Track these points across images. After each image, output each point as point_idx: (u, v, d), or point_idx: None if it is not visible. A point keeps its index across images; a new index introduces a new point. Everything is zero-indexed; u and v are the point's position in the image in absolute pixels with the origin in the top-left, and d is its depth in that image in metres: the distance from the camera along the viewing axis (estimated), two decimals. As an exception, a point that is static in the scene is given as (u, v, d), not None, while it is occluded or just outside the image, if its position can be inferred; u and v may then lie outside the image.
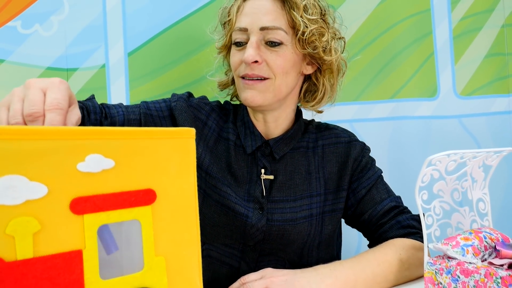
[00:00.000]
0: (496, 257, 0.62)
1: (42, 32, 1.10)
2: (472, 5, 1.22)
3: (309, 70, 0.85)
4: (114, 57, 1.13)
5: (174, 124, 0.86)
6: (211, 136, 0.87)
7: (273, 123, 0.86)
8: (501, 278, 0.54)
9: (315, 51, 0.80)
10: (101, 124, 0.77)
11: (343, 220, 0.91)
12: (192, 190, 0.44)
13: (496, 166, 0.70)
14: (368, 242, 0.87)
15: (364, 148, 0.89)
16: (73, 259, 0.36)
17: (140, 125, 0.84)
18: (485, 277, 0.56)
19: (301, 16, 0.76)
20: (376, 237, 0.82)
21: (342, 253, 0.95)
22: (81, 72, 1.11)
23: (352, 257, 0.73)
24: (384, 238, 0.80)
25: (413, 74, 1.21)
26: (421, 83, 1.21)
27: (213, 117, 0.89)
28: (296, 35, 0.78)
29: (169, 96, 1.12)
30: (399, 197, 0.86)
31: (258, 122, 0.87)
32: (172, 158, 0.43)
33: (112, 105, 0.84)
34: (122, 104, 0.86)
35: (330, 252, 0.88)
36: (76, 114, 0.56)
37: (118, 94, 1.12)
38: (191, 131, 0.45)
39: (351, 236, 1.13)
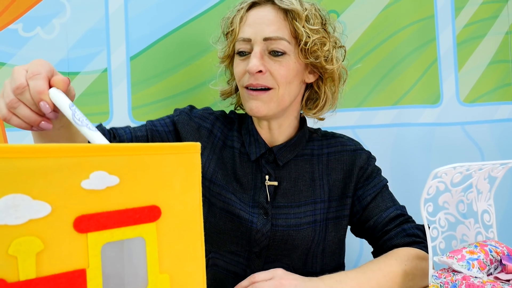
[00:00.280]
0: (501, 271, 0.61)
1: (43, 35, 1.10)
2: (476, 11, 1.21)
3: (311, 78, 0.86)
4: (116, 61, 1.12)
5: (178, 137, 0.88)
6: (216, 143, 0.89)
7: (277, 130, 0.87)
8: (507, 294, 0.54)
9: (317, 61, 0.81)
10: None
11: (348, 228, 0.91)
12: (197, 205, 0.44)
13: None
14: (371, 249, 0.87)
15: (370, 157, 0.89)
16: (77, 279, 0.35)
17: (147, 141, 0.85)
18: (491, 293, 0.55)
19: (303, 27, 0.78)
20: (381, 243, 0.82)
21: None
22: (82, 76, 1.10)
23: (357, 267, 0.72)
24: (389, 245, 0.80)
25: (417, 80, 1.20)
26: (424, 90, 1.20)
27: (218, 126, 0.91)
28: (299, 45, 0.79)
29: (170, 101, 1.13)
30: (404, 207, 0.86)
31: (263, 130, 0.88)
32: (177, 173, 0.42)
33: (120, 127, 0.87)
34: (129, 126, 0.89)
35: (335, 259, 0.88)
36: (71, 89, 0.61)
37: (119, 99, 1.12)
38: (196, 146, 0.44)
39: (352, 244, 1.13)
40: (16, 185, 0.33)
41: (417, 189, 1.18)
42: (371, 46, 1.19)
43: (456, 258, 0.61)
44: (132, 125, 1.12)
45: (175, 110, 0.92)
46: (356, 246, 1.16)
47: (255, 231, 0.81)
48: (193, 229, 0.43)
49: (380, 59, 1.19)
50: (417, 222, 0.83)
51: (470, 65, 1.22)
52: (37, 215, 0.34)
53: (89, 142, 0.54)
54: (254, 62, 0.77)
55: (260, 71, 0.78)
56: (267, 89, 0.79)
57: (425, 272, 0.73)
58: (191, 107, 0.93)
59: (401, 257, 0.74)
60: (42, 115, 0.56)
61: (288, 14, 0.79)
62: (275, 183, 0.84)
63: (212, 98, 1.08)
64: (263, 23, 0.78)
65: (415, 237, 0.79)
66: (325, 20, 0.84)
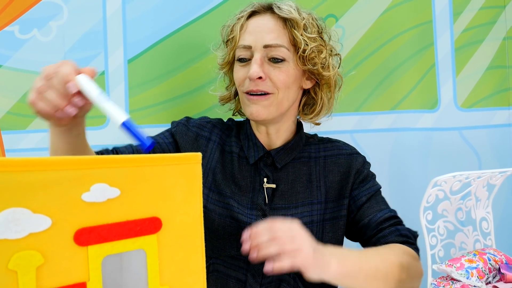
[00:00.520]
0: (500, 280, 0.61)
1: (40, 38, 1.09)
2: (474, 17, 1.21)
3: (308, 84, 0.89)
4: (114, 64, 1.11)
5: (178, 148, 0.90)
6: (216, 149, 0.91)
7: (275, 135, 0.89)
8: (507, 303, 0.54)
9: (314, 67, 0.84)
10: None
11: None
12: (198, 216, 0.43)
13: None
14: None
15: (365, 162, 0.91)
16: (77, 293, 0.35)
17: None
18: (490, 302, 0.55)
19: (301, 35, 0.81)
20: (374, 241, 0.83)
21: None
22: (80, 79, 1.09)
23: (357, 249, 0.72)
24: (383, 242, 0.80)
25: (415, 85, 1.20)
26: (422, 95, 1.20)
27: (216, 132, 0.93)
28: (297, 52, 0.82)
29: (168, 104, 1.13)
30: (395, 211, 0.87)
31: (261, 134, 0.90)
32: (178, 184, 0.42)
33: (122, 145, 0.90)
34: (131, 144, 0.91)
35: None
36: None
37: (117, 102, 1.11)
38: (197, 156, 0.44)
39: (351, 245, 1.13)
40: (16, 199, 0.33)
41: (414, 193, 1.19)
42: (370, 51, 1.19)
43: (455, 267, 0.61)
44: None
45: (172, 122, 0.95)
46: (354, 247, 1.16)
47: None
48: (193, 240, 0.43)
49: (378, 63, 1.19)
50: (415, 229, 0.83)
51: (468, 70, 1.22)
52: (37, 228, 0.34)
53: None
54: (254, 69, 0.79)
55: (260, 77, 0.80)
56: (266, 94, 0.82)
57: (418, 271, 0.73)
58: (188, 118, 0.96)
59: (397, 251, 0.74)
60: (68, 101, 0.60)
61: (287, 22, 0.82)
62: (273, 186, 0.86)
63: (210, 101, 1.07)
64: (263, 31, 0.81)
65: (408, 238, 0.80)
66: (322, 29, 0.87)
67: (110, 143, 1.10)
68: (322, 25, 0.88)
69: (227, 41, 0.89)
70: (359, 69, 1.18)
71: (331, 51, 0.89)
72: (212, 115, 1.08)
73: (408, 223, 1.17)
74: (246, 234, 0.62)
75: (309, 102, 0.92)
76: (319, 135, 0.96)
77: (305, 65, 0.83)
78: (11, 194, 0.32)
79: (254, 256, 0.61)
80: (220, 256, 0.86)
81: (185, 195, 0.42)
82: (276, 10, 0.82)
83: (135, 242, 0.39)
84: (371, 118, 1.19)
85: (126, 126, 0.54)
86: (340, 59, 0.93)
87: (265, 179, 0.86)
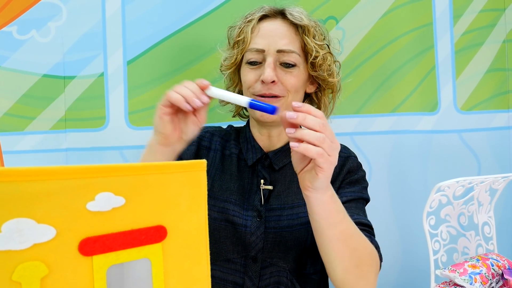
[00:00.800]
0: (503, 285, 0.61)
1: (38, 38, 1.08)
2: (475, 20, 1.22)
3: (311, 89, 0.91)
4: (113, 65, 1.11)
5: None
6: (216, 156, 0.92)
7: (276, 137, 0.90)
8: (511, 310, 0.54)
9: (323, 74, 0.86)
10: None
11: None
12: (203, 224, 0.43)
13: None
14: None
15: (360, 167, 0.91)
16: (81, 303, 0.34)
17: None
18: (494, 309, 0.55)
19: (312, 42, 0.83)
20: None
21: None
22: (78, 80, 1.09)
23: None
24: None
25: (415, 88, 1.20)
26: (422, 97, 1.20)
27: (215, 140, 0.94)
28: (307, 58, 0.84)
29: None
30: (371, 225, 0.84)
31: (262, 136, 0.91)
32: (183, 192, 0.41)
33: None
34: None
35: None
36: None
37: (116, 103, 1.10)
38: (202, 163, 0.43)
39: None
40: (20, 209, 0.32)
41: (414, 195, 1.19)
42: (370, 53, 1.18)
43: (458, 272, 0.61)
44: (129, 130, 1.11)
45: None
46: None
47: (249, 234, 0.83)
48: (199, 248, 0.42)
49: (379, 66, 1.19)
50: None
51: (467, 73, 1.22)
52: (41, 239, 0.33)
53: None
54: (269, 73, 0.80)
55: (273, 81, 0.81)
56: (276, 97, 0.83)
57: (376, 269, 0.73)
58: None
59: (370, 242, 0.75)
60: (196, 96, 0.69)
61: (299, 29, 0.84)
62: (270, 187, 0.86)
63: (211, 103, 1.06)
64: (276, 36, 0.83)
65: (376, 246, 0.78)
66: (325, 36, 0.89)
67: (110, 145, 1.10)
68: (326, 32, 0.90)
69: (235, 42, 0.89)
70: (360, 71, 1.18)
71: (334, 58, 0.91)
72: (213, 116, 1.08)
73: (407, 225, 1.17)
74: (293, 114, 0.61)
75: (312, 104, 0.94)
76: None
77: (316, 71, 0.85)
78: (15, 204, 0.32)
79: (295, 145, 0.60)
80: (216, 262, 0.85)
81: (190, 203, 0.42)
82: (289, 16, 0.84)
83: (140, 251, 0.38)
84: (371, 120, 1.18)
85: (252, 104, 0.66)
86: (340, 65, 0.95)
87: (262, 181, 0.87)
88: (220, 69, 0.95)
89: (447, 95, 1.21)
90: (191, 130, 0.73)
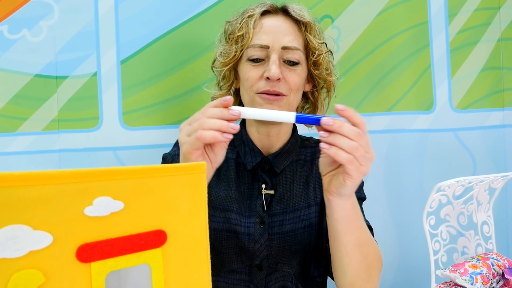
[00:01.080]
0: (504, 285, 0.61)
1: (30, 38, 1.06)
2: (469, 18, 1.22)
3: (307, 87, 0.89)
4: (106, 64, 1.09)
5: None
6: None
7: (275, 137, 0.87)
8: (512, 310, 0.54)
9: (323, 72, 0.85)
10: None
11: None
12: (203, 227, 0.42)
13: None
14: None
15: None
16: (80, 312, 0.33)
17: None
18: (496, 309, 0.55)
19: (315, 39, 0.81)
20: None
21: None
22: (71, 80, 1.07)
23: None
24: None
25: (411, 87, 1.20)
26: (418, 96, 1.20)
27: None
28: (309, 56, 0.82)
29: (163, 106, 1.10)
30: (370, 225, 0.84)
31: (261, 136, 0.87)
32: (183, 195, 0.40)
33: None
34: None
35: None
36: None
37: (110, 104, 1.09)
38: (202, 166, 0.42)
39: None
40: (15, 216, 0.31)
41: (410, 194, 1.19)
42: (365, 52, 1.18)
43: (459, 272, 0.60)
44: (123, 131, 1.09)
45: (164, 157, 0.90)
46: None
47: (253, 242, 0.81)
48: (199, 253, 0.41)
49: (374, 64, 1.18)
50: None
51: (463, 71, 1.23)
52: (38, 246, 0.32)
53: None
54: (275, 70, 0.77)
55: (279, 79, 0.78)
56: (280, 95, 0.80)
57: (379, 258, 0.73)
58: (178, 147, 0.89)
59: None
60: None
61: (301, 26, 0.82)
62: (272, 192, 0.84)
63: (205, 103, 1.05)
64: (281, 32, 0.80)
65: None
66: (323, 34, 0.87)
67: (104, 146, 1.08)
68: (322, 30, 0.88)
69: (235, 38, 0.83)
70: (355, 70, 1.18)
71: (333, 56, 0.90)
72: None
73: (403, 223, 1.17)
74: (329, 120, 0.59)
75: (307, 104, 0.92)
76: (314, 138, 0.95)
77: (318, 70, 0.84)
78: (10, 210, 0.31)
79: (325, 147, 0.59)
80: (220, 273, 0.83)
81: (190, 206, 0.41)
82: (292, 13, 0.81)
83: (140, 256, 0.37)
84: (367, 119, 1.18)
85: (299, 118, 0.61)
86: (333, 65, 0.93)
87: (263, 185, 0.84)
88: (213, 66, 0.91)
89: (442, 94, 1.22)
90: (221, 155, 0.66)
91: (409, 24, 1.20)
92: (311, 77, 0.87)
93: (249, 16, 0.81)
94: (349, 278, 0.70)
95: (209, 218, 0.81)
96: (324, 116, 0.59)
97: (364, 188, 0.88)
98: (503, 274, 0.61)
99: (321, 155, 0.65)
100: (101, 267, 0.35)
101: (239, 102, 0.91)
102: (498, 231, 1.05)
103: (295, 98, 0.83)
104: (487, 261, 0.63)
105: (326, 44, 0.86)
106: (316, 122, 0.60)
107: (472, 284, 0.58)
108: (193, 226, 0.41)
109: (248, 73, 0.81)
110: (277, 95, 0.79)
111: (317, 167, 0.85)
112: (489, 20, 1.23)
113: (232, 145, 0.89)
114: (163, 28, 1.11)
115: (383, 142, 1.19)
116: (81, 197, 0.34)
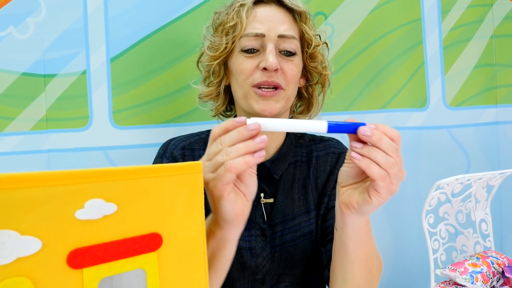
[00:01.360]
0: (504, 283, 0.60)
1: (16, 35, 1.03)
2: (462, 15, 1.22)
3: (301, 82, 0.84)
4: (96, 62, 1.06)
5: None
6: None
7: (269, 135, 0.80)
8: (514, 309, 0.53)
9: (319, 66, 0.81)
10: None
11: None
12: (200, 229, 0.40)
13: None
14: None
15: None
16: (71, 321, 0.32)
17: None
18: (497, 308, 0.54)
19: (310, 30, 0.77)
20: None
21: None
22: (59, 78, 1.04)
23: None
24: None
25: (404, 84, 1.19)
26: (412, 94, 1.20)
27: (198, 154, 0.83)
28: (305, 48, 0.78)
29: (153, 104, 1.08)
30: None
31: None
32: (179, 196, 0.39)
33: None
34: None
35: None
36: None
37: (100, 102, 1.06)
38: (199, 165, 0.41)
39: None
40: (2, 220, 0.29)
41: (405, 191, 1.18)
42: (359, 49, 1.17)
43: (459, 271, 0.59)
44: (113, 130, 1.07)
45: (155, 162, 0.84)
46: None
47: (255, 256, 0.77)
48: (196, 256, 0.40)
49: (368, 62, 1.18)
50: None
51: (456, 68, 1.22)
52: (26, 252, 0.30)
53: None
54: (273, 59, 0.72)
55: (276, 70, 0.74)
56: (277, 89, 0.75)
57: (381, 268, 0.70)
58: (161, 158, 0.84)
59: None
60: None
61: (296, 15, 0.77)
62: (271, 200, 0.79)
63: (197, 101, 1.03)
64: (276, 21, 0.75)
65: None
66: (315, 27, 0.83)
67: (94, 145, 1.06)
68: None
69: (226, 28, 0.78)
70: (349, 67, 1.16)
71: (328, 49, 0.86)
72: (200, 114, 1.05)
73: (399, 221, 1.17)
74: (368, 130, 0.52)
75: (300, 101, 0.88)
76: (308, 134, 0.91)
77: (314, 62, 0.80)
78: (-4, 214, 0.29)
79: (357, 158, 0.52)
80: None
81: (187, 207, 0.39)
82: (286, 2, 0.77)
83: (134, 261, 0.35)
84: (361, 117, 1.17)
85: (331, 127, 0.53)
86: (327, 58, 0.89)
87: (262, 194, 0.79)
88: (199, 62, 0.86)
89: (436, 91, 1.21)
90: (253, 184, 0.56)
91: (402, 21, 1.19)
92: (305, 71, 0.82)
93: (240, 5, 0.77)
94: None
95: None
96: (362, 123, 0.52)
97: None
98: (503, 272, 0.61)
99: (345, 164, 0.57)
100: (94, 273, 0.33)
101: (229, 99, 0.87)
102: (492, 228, 1.05)
103: (292, 92, 0.78)
104: (487, 260, 0.62)
105: (320, 36, 0.82)
106: (353, 131, 0.52)
107: (472, 283, 0.57)
108: (190, 228, 0.39)
109: (242, 64, 0.76)
110: (274, 88, 0.75)
111: (313, 167, 0.83)
112: (482, 17, 1.23)
113: None
114: (154, 25, 1.08)
115: (377, 139, 1.18)
116: (71, 200, 0.32)
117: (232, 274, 0.77)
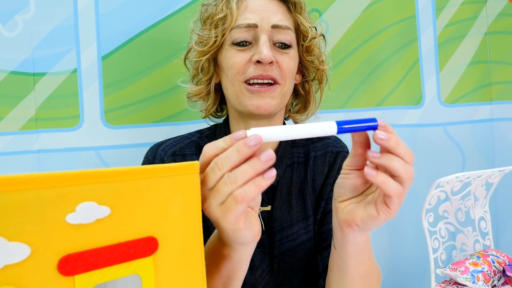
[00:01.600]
0: (505, 282, 0.60)
1: (4, 33, 1.00)
2: (456, 12, 1.21)
3: (297, 79, 0.80)
4: (87, 61, 1.04)
5: None
6: None
7: None
8: (516, 309, 0.52)
9: (316, 60, 0.76)
10: None
11: None
12: (197, 232, 0.39)
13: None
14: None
15: None
16: (63, 331, 0.30)
17: None
18: (499, 308, 0.53)
19: (306, 21, 0.73)
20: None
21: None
22: (49, 77, 1.02)
23: None
24: None
25: (399, 81, 1.19)
26: (407, 91, 1.19)
27: (191, 159, 0.78)
28: (300, 40, 0.74)
29: (146, 103, 1.06)
30: None
31: None
32: (175, 197, 0.37)
33: None
34: None
35: None
36: None
37: (91, 101, 1.04)
38: (195, 165, 0.39)
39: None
40: (-13, 226, 0.27)
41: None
42: (354, 46, 1.16)
43: (459, 271, 0.58)
44: (105, 130, 1.05)
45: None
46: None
47: (254, 269, 0.73)
48: (193, 260, 0.38)
49: (363, 59, 1.17)
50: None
51: (450, 65, 1.22)
52: (13, 259, 0.28)
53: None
54: (267, 51, 0.67)
55: (271, 63, 0.69)
56: (270, 84, 0.70)
57: (379, 281, 0.67)
58: (150, 161, 0.79)
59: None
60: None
61: (290, 6, 0.73)
62: (268, 208, 0.74)
63: (185, 101, 1.01)
64: (269, 11, 0.70)
65: None
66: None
67: (85, 145, 1.04)
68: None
69: (215, 20, 0.72)
70: (344, 65, 1.15)
71: (325, 42, 0.81)
72: (194, 113, 1.03)
73: (396, 220, 1.16)
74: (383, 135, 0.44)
75: (296, 100, 0.84)
76: None
77: (311, 56, 0.75)
78: (-19, 220, 0.27)
79: (372, 174, 0.45)
80: None
81: (183, 209, 0.38)
82: None
83: (129, 266, 0.34)
84: (356, 115, 1.16)
85: (341, 128, 0.45)
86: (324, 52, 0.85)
87: None
88: (186, 58, 0.81)
89: (431, 88, 1.21)
90: (259, 196, 0.49)
91: (397, 18, 1.18)
92: (301, 66, 0.78)
93: None
94: None
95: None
96: (373, 119, 0.45)
97: None
98: (504, 271, 0.60)
99: (342, 176, 0.51)
100: (86, 280, 0.31)
101: (220, 99, 0.82)
102: (496, 227, 1.05)
103: (288, 88, 0.73)
104: (487, 258, 0.61)
105: (316, 28, 0.78)
106: (365, 129, 0.45)
107: (473, 283, 0.57)
108: (187, 231, 0.38)
109: (233, 58, 0.70)
110: (270, 83, 0.70)
111: (310, 169, 0.79)
112: (476, 14, 1.23)
113: None
114: (146, 22, 1.06)
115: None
116: (62, 203, 0.30)
117: None
